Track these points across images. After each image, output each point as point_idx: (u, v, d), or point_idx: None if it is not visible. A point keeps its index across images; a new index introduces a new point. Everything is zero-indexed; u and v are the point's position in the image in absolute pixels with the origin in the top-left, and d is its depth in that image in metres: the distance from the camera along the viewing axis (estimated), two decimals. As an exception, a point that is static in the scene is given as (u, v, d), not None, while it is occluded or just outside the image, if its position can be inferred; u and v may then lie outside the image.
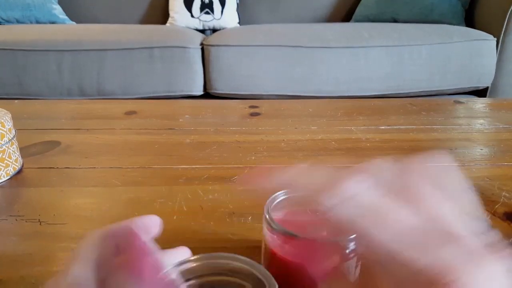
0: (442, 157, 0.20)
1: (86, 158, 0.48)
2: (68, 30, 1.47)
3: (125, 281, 0.18)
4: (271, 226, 0.23)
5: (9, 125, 0.44)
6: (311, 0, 1.77)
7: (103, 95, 1.33)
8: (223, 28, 1.62)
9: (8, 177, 0.43)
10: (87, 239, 0.20)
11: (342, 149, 0.51)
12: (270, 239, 0.24)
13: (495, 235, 0.16)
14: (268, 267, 0.23)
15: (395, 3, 1.59)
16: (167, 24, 1.67)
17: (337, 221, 0.17)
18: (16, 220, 0.36)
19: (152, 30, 1.49)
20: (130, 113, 0.66)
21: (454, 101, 0.76)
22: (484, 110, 0.72)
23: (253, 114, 0.65)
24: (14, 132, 0.45)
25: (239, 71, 1.34)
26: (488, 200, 0.39)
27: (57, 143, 0.53)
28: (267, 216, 0.24)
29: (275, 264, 0.24)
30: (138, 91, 1.34)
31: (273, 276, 0.19)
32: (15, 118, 0.46)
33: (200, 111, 0.68)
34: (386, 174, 0.18)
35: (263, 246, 0.25)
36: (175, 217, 0.35)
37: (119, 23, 1.67)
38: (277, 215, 0.24)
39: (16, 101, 0.73)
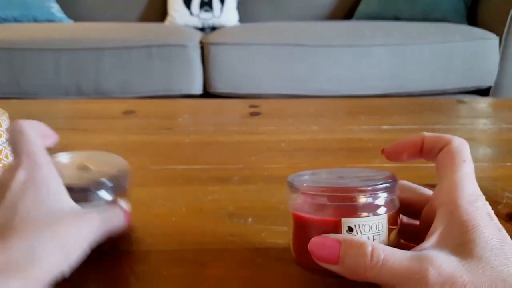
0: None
1: (83, 159, 0.48)
2: (66, 29, 1.46)
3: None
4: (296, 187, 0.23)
5: (6, 125, 0.43)
6: (312, -2, 1.76)
7: (101, 94, 1.32)
8: (223, 26, 1.61)
9: (4, 178, 0.42)
10: None
11: (344, 149, 0.51)
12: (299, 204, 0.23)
13: None
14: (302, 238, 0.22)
15: (397, 0, 1.58)
16: (166, 22, 1.66)
17: None
18: (11, 222, 0.35)
19: (151, 28, 1.49)
20: (128, 112, 0.65)
21: (456, 100, 0.76)
22: (487, 110, 0.71)
23: (253, 114, 0.64)
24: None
25: (239, 70, 1.33)
26: (490, 201, 0.38)
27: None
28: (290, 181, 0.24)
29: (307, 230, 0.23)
30: (136, 90, 1.33)
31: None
32: (12, 118, 0.46)
33: (200, 110, 0.67)
34: None
35: (292, 224, 0.24)
36: (174, 219, 0.34)
37: (117, 21, 1.66)
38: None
39: (13, 100, 0.73)
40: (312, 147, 0.51)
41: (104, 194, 0.27)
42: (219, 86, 1.34)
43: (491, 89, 1.41)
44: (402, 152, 0.24)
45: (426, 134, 0.23)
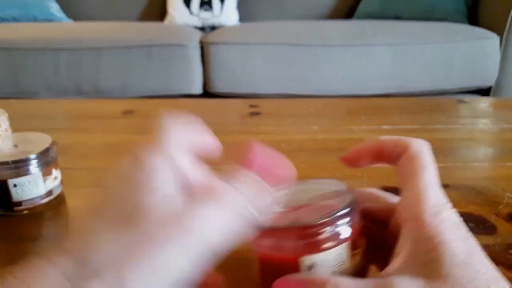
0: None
1: (83, 159, 0.48)
2: (65, 28, 1.46)
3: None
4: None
5: (5, 125, 0.43)
6: (312, -2, 1.76)
7: (100, 94, 1.32)
8: (223, 26, 1.61)
9: (3, 178, 0.43)
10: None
11: (344, 149, 0.50)
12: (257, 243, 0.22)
13: None
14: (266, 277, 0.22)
15: (398, 0, 1.58)
16: (166, 22, 1.66)
17: None
18: (11, 222, 0.35)
19: (150, 28, 1.49)
20: (127, 112, 0.65)
21: (457, 100, 0.76)
22: (487, 110, 0.71)
23: (253, 114, 0.64)
24: (11, 133, 0.44)
25: (239, 70, 1.33)
26: (491, 201, 0.38)
27: (54, 143, 0.52)
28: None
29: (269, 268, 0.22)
30: (136, 90, 1.33)
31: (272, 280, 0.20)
32: (11, 118, 0.46)
33: (200, 110, 0.67)
34: None
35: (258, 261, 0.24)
36: (173, 220, 0.34)
37: (116, 20, 1.66)
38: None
39: (12, 100, 0.73)
40: (312, 147, 0.51)
41: (33, 168, 0.35)
42: (219, 85, 1.34)
43: (492, 89, 1.40)
44: (359, 159, 0.24)
45: (383, 138, 0.22)
